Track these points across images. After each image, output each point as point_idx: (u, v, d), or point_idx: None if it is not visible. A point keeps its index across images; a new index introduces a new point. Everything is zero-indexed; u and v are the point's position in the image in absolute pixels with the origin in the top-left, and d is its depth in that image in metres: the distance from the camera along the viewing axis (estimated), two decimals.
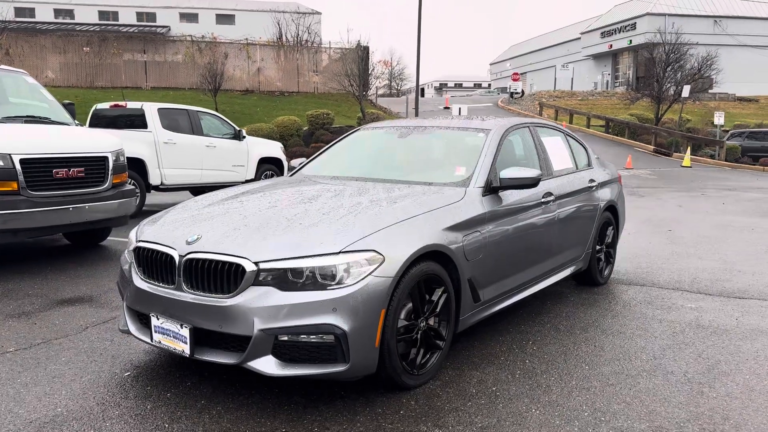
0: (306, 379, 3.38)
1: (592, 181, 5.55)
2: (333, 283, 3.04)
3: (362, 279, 3.06)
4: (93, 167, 6.68)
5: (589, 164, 5.82)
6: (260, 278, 3.07)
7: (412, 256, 3.27)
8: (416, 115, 25.37)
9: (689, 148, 23.89)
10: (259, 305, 3.03)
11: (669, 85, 28.93)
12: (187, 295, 3.22)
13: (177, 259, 3.28)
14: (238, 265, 3.10)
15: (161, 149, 10.59)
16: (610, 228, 5.93)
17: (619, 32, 51.20)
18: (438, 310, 3.54)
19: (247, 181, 12.13)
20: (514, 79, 42.54)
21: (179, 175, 10.97)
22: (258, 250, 3.13)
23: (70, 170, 6.41)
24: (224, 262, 3.15)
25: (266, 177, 12.68)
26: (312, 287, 3.04)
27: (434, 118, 5.37)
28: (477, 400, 3.29)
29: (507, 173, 4.11)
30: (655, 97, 29.50)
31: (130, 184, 7.95)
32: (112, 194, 6.84)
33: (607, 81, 54.74)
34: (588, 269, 5.56)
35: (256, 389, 3.41)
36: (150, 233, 3.58)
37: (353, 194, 3.90)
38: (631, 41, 49.65)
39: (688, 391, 3.43)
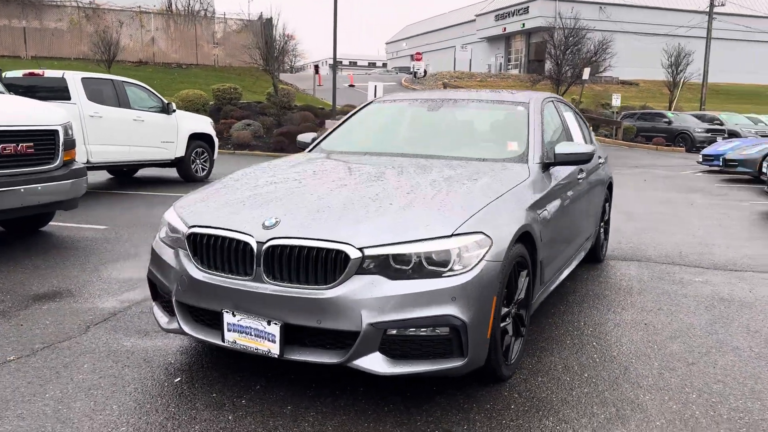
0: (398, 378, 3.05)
1: (599, 157, 5.54)
2: (445, 269, 2.73)
3: (477, 264, 2.77)
4: (42, 142, 5.82)
5: (591, 140, 5.81)
6: (364, 266, 2.71)
7: (513, 238, 3.02)
8: (334, 91, 24.80)
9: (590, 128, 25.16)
10: (367, 296, 2.67)
11: (567, 67, 30.19)
12: (270, 287, 2.78)
13: (255, 246, 2.83)
14: (339, 252, 2.71)
15: (87, 123, 9.54)
16: (607, 204, 5.98)
17: (513, 15, 52.83)
18: (522, 295, 3.32)
19: (177, 159, 11.26)
20: (417, 59, 42.80)
21: (107, 152, 9.96)
22: (358, 234, 2.75)
23: (18, 146, 5.54)
24: (320, 249, 2.74)
25: (198, 155, 11.84)
26: (423, 275, 2.71)
27: (456, 91, 5.09)
28: (580, 389, 3.12)
29: (561, 148, 3.94)
30: (555, 80, 30.71)
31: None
32: (64, 173, 6.01)
33: (501, 63, 56.50)
34: (594, 246, 5.56)
35: (339, 389, 3.04)
36: (208, 217, 3.08)
37: (418, 171, 3.58)
38: (524, 24, 51.42)
39: (766, 365, 3.45)
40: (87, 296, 4.51)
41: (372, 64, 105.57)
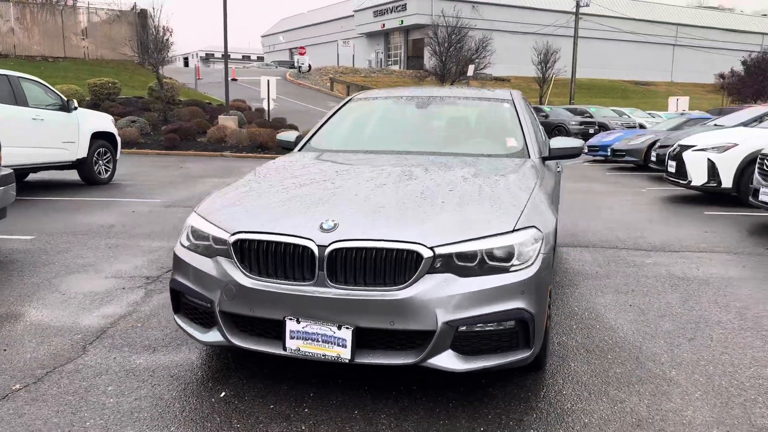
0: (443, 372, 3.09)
1: None
2: (509, 264, 2.80)
3: (537, 257, 2.87)
4: None
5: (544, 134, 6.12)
6: (435, 265, 2.72)
7: (554, 230, 3.16)
8: (227, 86, 23.99)
9: None
10: (441, 295, 2.68)
11: (452, 64, 31.28)
12: (335, 291, 2.72)
13: (316, 250, 2.74)
14: (411, 252, 2.70)
15: None
16: None
17: (391, 12, 53.79)
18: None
19: (79, 161, 10.43)
20: (301, 53, 42.39)
21: (6, 155, 9.03)
22: (427, 233, 2.76)
23: None
24: (390, 250, 2.71)
25: (100, 155, 11.04)
26: (489, 271, 2.76)
27: (439, 88, 5.16)
28: (612, 370, 3.32)
29: (556, 143, 4.14)
30: (440, 76, 31.72)
31: None
32: None
33: (381, 59, 57.35)
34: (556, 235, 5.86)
35: (394, 391, 3.03)
36: (254, 223, 2.93)
37: (443, 169, 3.62)
38: (402, 21, 52.53)
39: (752, 335, 3.85)
40: (60, 314, 4.13)
41: (246, 57, 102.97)
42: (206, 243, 3.05)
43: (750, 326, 3.99)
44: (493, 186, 3.29)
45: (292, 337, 2.78)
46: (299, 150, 4.43)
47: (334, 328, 2.72)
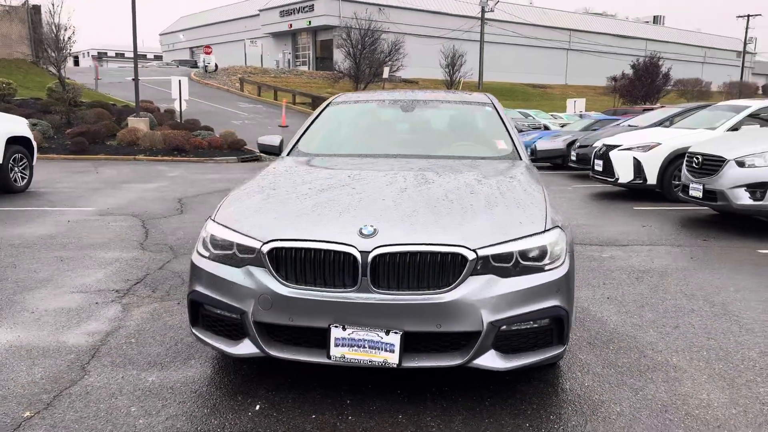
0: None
1: None
2: (542, 263, 2.90)
3: (565, 255, 3.00)
4: None
5: None
6: (477, 267, 2.78)
7: (570, 229, 3.30)
8: (137, 86, 22.86)
9: None
10: (486, 296, 2.75)
11: (366, 66, 31.48)
12: (379, 296, 2.72)
13: (359, 256, 2.73)
14: (456, 255, 2.75)
15: None
16: None
17: (298, 12, 53.37)
18: None
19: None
20: (207, 52, 41.15)
21: None
22: (468, 236, 2.81)
23: None
24: (434, 253, 2.74)
25: (16, 162, 10.27)
26: (526, 271, 2.85)
27: (421, 91, 5.20)
28: (622, 360, 3.51)
29: (542, 145, 4.32)
30: (354, 77, 31.83)
31: None
32: None
33: (289, 60, 56.75)
34: None
35: (421, 391, 3.07)
36: (288, 231, 2.87)
37: (452, 172, 3.68)
38: (310, 22, 52.22)
39: (727, 321, 4.17)
40: (39, 333, 3.85)
41: (143, 56, 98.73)
42: (229, 252, 2.96)
43: (721, 312, 4.32)
44: (510, 188, 3.39)
45: (336, 345, 2.75)
46: (288, 154, 4.35)
47: (382, 334, 2.71)
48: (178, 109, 22.65)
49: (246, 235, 2.94)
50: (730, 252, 6.21)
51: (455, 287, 2.73)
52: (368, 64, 31.61)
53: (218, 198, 9.50)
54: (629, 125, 13.01)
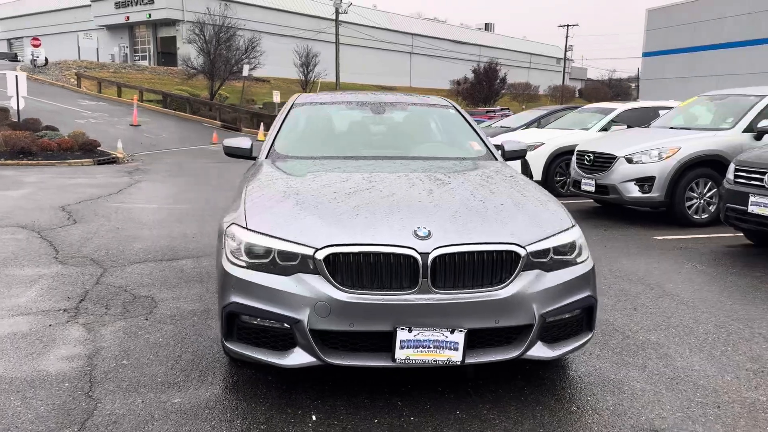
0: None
1: None
2: (573, 257, 3.10)
3: (586, 248, 3.24)
4: None
5: None
6: (527, 263, 2.93)
7: None
8: None
9: (262, 123, 25.93)
10: (536, 290, 2.91)
11: (222, 63, 30.44)
12: (439, 296, 2.78)
13: (419, 258, 2.77)
14: (510, 252, 2.88)
15: None
16: None
17: (136, 4, 50.15)
18: None
19: None
20: (35, 45, 37.27)
21: None
22: (515, 233, 2.95)
23: None
24: (490, 252, 2.85)
25: None
26: (563, 264, 3.04)
27: (382, 93, 5.20)
28: (628, 356, 3.85)
29: (510, 146, 4.57)
30: (209, 74, 30.65)
31: None
32: None
33: (126, 54, 53.18)
34: None
35: (455, 388, 3.18)
36: (343, 235, 2.82)
37: (458, 173, 3.81)
38: (150, 15, 49.35)
39: (702, 306, 4.71)
40: (6, 364, 3.41)
41: None
42: (265, 260, 2.86)
43: (662, 293, 4.86)
44: (522, 187, 3.57)
45: (402, 347, 2.77)
46: (267, 158, 4.21)
47: (447, 333, 2.78)
48: (16, 108, 20.43)
49: (293, 242, 2.85)
50: (632, 239, 6.95)
51: (510, 283, 2.86)
52: (224, 61, 30.57)
53: (107, 205, 8.81)
54: (501, 126, 13.92)
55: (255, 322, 2.90)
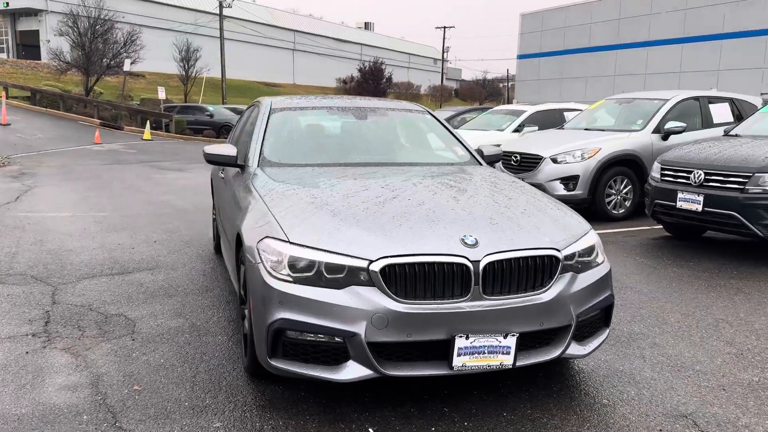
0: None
1: None
2: (592, 258, 3.27)
3: (603, 251, 3.44)
4: None
5: None
6: (563, 266, 3.07)
7: None
8: None
9: (148, 122, 24.60)
10: (571, 292, 3.05)
11: (96, 58, 28.55)
12: (489, 302, 2.86)
13: (471, 266, 2.84)
14: (550, 257, 3.00)
15: None
16: None
17: None
18: None
19: None
20: None
21: None
22: (552, 239, 3.08)
23: None
24: (533, 257, 2.96)
25: None
26: (587, 266, 3.20)
27: (357, 98, 5.13)
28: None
29: (488, 150, 4.72)
30: (84, 69, 28.65)
31: None
32: None
33: None
34: None
35: (490, 389, 3.28)
36: (395, 246, 2.82)
37: (462, 179, 3.90)
38: (7, 3, 45.26)
39: (662, 297, 5.08)
40: (9, 398, 3.08)
41: None
42: (310, 273, 2.82)
43: (623, 287, 5.22)
44: (531, 193, 3.73)
45: (459, 354, 2.82)
46: (259, 166, 4.06)
47: (500, 338, 2.86)
48: None
49: (343, 254, 2.82)
50: None
51: (551, 287, 2.99)
52: (100, 55, 28.64)
53: (13, 215, 8.08)
54: None
55: (304, 337, 2.83)
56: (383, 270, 2.77)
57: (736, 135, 7.10)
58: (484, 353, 2.85)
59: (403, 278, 2.79)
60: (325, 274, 2.82)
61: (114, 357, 3.61)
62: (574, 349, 3.12)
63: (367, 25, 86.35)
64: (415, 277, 2.79)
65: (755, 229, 5.71)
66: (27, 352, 3.66)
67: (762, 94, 15.49)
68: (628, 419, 2.97)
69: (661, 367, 3.57)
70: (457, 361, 2.82)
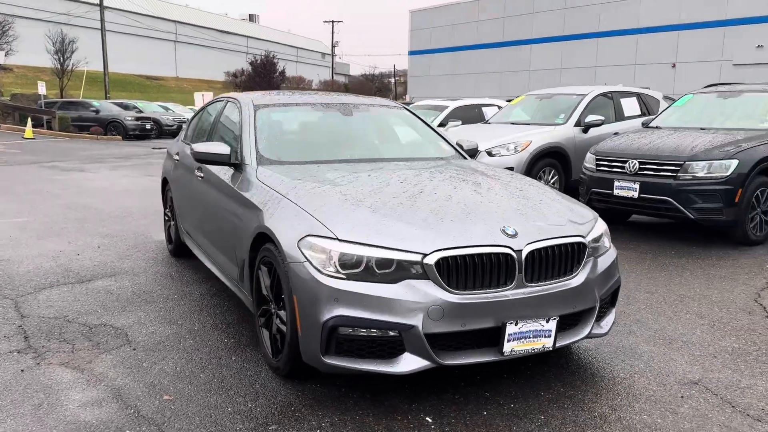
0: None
1: None
2: (600, 244, 3.50)
3: (609, 237, 3.69)
4: None
5: None
6: (587, 252, 3.28)
7: None
8: None
9: (29, 119, 22.69)
10: (594, 275, 3.27)
11: None
12: (533, 289, 3.01)
13: (515, 255, 2.98)
14: (579, 244, 3.20)
15: None
16: None
17: None
18: None
19: None
20: None
21: None
22: (575, 227, 3.28)
23: None
24: (567, 245, 3.14)
25: None
26: (599, 251, 3.42)
27: (336, 94, 5.05)
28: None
29: (467, 145, 4.90)
30: None
31: None
32: None
33: None
34: None
35: (533, 374, 3.45)
36: (444, 239, 2.90)
37: (467, 172, 3.99)
38: None
39: None
40: (31, 420, 2.83)
41: None
42: (359, 269, 2.86)
43: None
44: (535, 183, 3.92)
45: (509, 340, 2.96)
46: (258, 164, 3.96)
47: (543, 322, 3.03)
48: None
49: (395, 249, 2.87)
50: None
51: (579, 272, 3.20)
52: None
53: None
54: None
55: (357, 333, 2.85)
56: (438, 263, 2.84)
57: (657, 127, 7.75)
58: (530, 337, 3.00)
59: (455, 270, 2.88)
60: (376, 269, 2.85)
61: (123, 368, 3.42)
62: (596, 329, 3.35)
63: (251, 17, 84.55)
64: (465, 269, 2.89)
65: (687, 213, 6.29)
66: (22, 370, 3.38)
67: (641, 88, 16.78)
68: (651, 389, 3.23)
69: (654, 341, 3.90)
70: (507, 347, 2.95)
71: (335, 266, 2.87)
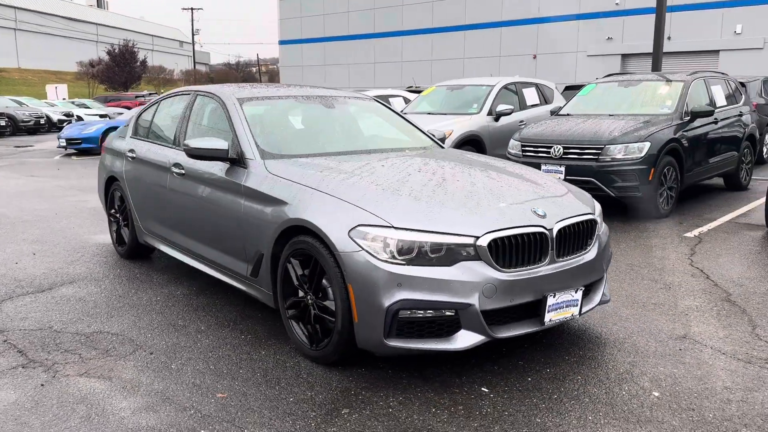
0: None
1: None
2: (600, 223, 3.86)
3: None
4: None
5: None
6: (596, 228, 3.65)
7: None
8: None
9: None
10: (600, 250, 3.66)
11: None
12: (561, 264, 3.33)
13: (548, 233, 3.27)
14: (592, 221, 3.56)
15: None
16: None
17: None
18: None
19: None
20: None
21: None
22: (585, 206, 3.62)
23: None
24: (585, 222, 3.49)
25: None
26: (598, 229, 3.80)
27: (310, 87, 4.99)
28: None
29: (437, 134, 5.13)
30: None
31: None
32: None
33: None
34: None
35: (562, 345, 3.77)
36: (491, 222, 3.13)
37: (463, 162, 4.19)
38: None
39: None
40: None
41: None
42: (413, 254, 3.02)
43: None
44: (526, 168, 4.23)
45: (549, 311, 3.25)
46: (263, 159, 3.91)
47: (573, 293, 3.35)
48: None
49: (448, 233, 3.06)
50: None
51: (592, 247, 3.56)
52: None
53: None
54: None
55: (415, 314, 3.01)
56: (489, 244, 3.06)
57: (569, 114, 8.44)
58: (563, 307, 3.32)
59: (503, 250, 3.11)
60: (429, 253, 3.01)
61: (152, 372, 3.30)
62: (603, 297, 3.73)
63: (100, 3, 78.97)
64: (510, 248, 3.14)
65: (609, 191, 6.97)
66: (42, 385, 3.17)
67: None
68: (651, 345, 3.67)
69: (630, 305, 4.37)
70: (547, 317, 3.24)
71: (391, 253, 2.99)
